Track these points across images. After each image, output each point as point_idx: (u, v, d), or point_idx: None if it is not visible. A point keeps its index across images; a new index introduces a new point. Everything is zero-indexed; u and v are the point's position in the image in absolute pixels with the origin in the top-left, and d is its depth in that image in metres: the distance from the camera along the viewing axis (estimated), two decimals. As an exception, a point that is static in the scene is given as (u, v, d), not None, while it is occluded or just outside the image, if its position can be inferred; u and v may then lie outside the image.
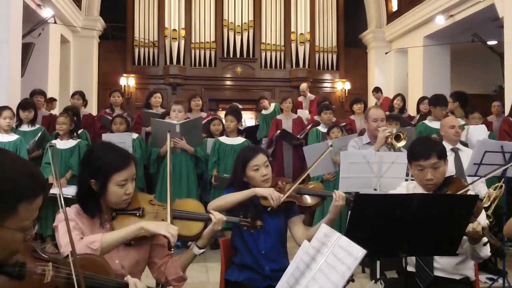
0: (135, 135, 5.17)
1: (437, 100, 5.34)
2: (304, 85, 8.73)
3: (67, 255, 1.35)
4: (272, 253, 2.38)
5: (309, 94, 8.63)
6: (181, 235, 1.87)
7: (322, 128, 5.82)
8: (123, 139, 4.60)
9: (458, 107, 5.78)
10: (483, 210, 2.27)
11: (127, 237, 1.76)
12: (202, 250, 1.99)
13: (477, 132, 4.85)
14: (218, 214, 2.01)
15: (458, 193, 2.20)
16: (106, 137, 4.89)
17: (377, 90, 8.79)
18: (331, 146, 3.13)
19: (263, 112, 8.20)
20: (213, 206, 2.28)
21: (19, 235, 1.13)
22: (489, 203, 3.55)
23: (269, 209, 2.31)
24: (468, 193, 2.25)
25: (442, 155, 2.29)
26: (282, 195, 2.33)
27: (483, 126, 5.11)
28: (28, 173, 1.14)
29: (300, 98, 8.63)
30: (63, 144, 4.80)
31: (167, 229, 1.76)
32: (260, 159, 2.39)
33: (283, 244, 2.47)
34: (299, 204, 2.44)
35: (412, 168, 2.36)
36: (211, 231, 1.99)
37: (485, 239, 1.99)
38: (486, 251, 2.13)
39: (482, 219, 2.18)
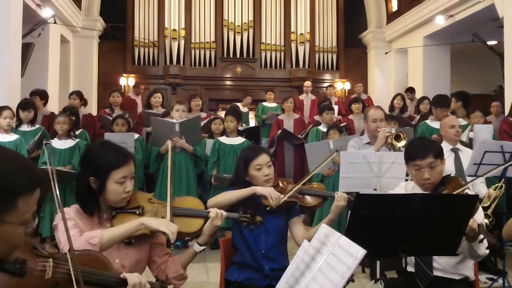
0: (136, 136, 5.15)
1: (439, 101, 5.33)
2: (308, 82, 8.93)
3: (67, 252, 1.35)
4: (272, 252, 2.38)
5: (310, 94, 8.71)
6: (181, 232, 1.87)
7: (322, 128, 5.83)
8: (125, 140, 4.56)
9: (461, 107, 5.77)
10: (480, 208, 2.27)
11: (127, 233, 1.76)
12: (202, 247, 1.99)
13: (482, 131, 4.83)
14: (217, 210, 2.01)
15: (456, 192, 2.20)
16: (108, 137, 4.83)
17: (411, 91, 8.46)
18: (337, 151, 3.13)
19: (265, 103, 8.43)
20: (212, 203, 2.29)
21: (20, 229, 1.15)
22: (489, 203, 3.56)
23: (268, 208, 2.31)
24: (467, 192, 2.25)
25: (439, 154, 2.29)
26: (282, 195, 2.33)
27: (490, 125, 5.09)
28: (25, 168, 1.16)
29: (302, 97, 8.69)
30: (61, 144, 4.76)
31: (168, 226, 1.77)
32: (263, 158, 2.40)
33: (283, 243, 2.46)
34: (301, 204, 2.44)
35: (409, 168, 2.36)
36: (212, 227, 1.98)
37: (481, 236, 1.99)
38: (483, 249, 2.13)
39: (479, 217, 2.18)
